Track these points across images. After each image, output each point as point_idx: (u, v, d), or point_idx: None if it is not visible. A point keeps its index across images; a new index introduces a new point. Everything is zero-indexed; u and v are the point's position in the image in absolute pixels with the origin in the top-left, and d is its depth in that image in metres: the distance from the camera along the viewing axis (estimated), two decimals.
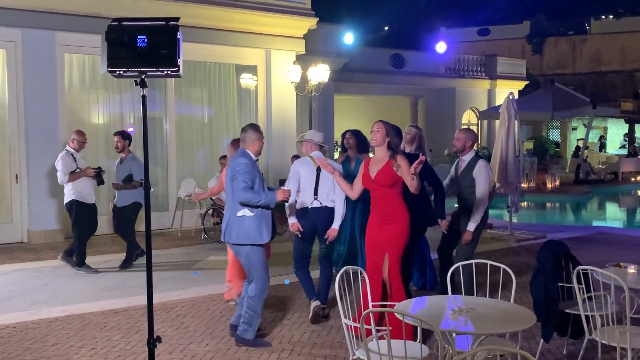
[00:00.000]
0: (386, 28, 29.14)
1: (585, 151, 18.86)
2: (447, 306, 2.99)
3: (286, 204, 4.52)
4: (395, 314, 2.77)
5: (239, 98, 10.79)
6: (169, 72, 2.95)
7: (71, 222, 6.45)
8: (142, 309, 4.95)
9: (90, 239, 6.63)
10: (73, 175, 6.28)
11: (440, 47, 18.19)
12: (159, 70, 2.94)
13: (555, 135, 24.21)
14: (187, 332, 4.48)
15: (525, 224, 10.16)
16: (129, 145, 6.66)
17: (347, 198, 4.50)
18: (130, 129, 9.59)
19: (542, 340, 3.79)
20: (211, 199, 8.62)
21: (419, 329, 2.66)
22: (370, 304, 3.53)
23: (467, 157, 4.94)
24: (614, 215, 13.78)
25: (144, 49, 2.89)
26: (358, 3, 25.15)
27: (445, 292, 3.67)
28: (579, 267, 3.47)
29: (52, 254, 7.42)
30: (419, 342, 2.81)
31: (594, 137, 23.90)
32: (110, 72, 2.95)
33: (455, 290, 3.84)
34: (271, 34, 10.25)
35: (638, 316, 3.67)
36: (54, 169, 8.26)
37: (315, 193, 4.57)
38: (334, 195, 4.58)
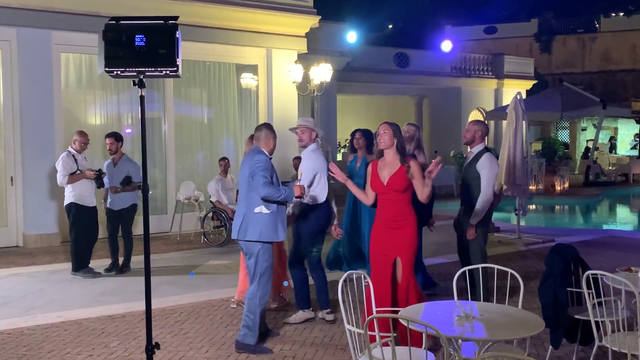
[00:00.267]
0: (390, 26, 28.97)
1: (595, 152, 18.68)
2: (454, 312, 2.91)
3: (290, 205, 4.51)
4: (400, 319, 2.75)
5: (240, 98, 10.69)
6: (168, 72, 2.97)
7: (69, 224, 6.36)
8: (140, 314, 4.91)
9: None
10: (73, 177, 6.20)
11: (446, 45, 18.01)
12: (157, 70, 2.95)
13: (564, 136, 23.94)
14: (187, 339, 4.44)
15: (533, 227, 10.06)
16: (121, 146, 6.59)
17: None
18: (127, 130, 9.46)
19: (551, 346, 3.74)
20: (211, 202, 8.48)
21: (424, 335, 2.66)
22: (374, 309, 3.46)
23: (475, 149, 4.89)
24: (624, 218, 13.58)
25: (142, 49, 2.91)
26: (361, 1, 24.98)
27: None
28: (589, 272, 3.40)
29: (47, 259, 7.37)
30: (424, 348, 2.80)
31: (604, 137, 23.59)
32: (107, 72, 2.94)
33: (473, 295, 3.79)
34: (272, 33, 10.13)
35: None
36: (50, 171, 8.18)
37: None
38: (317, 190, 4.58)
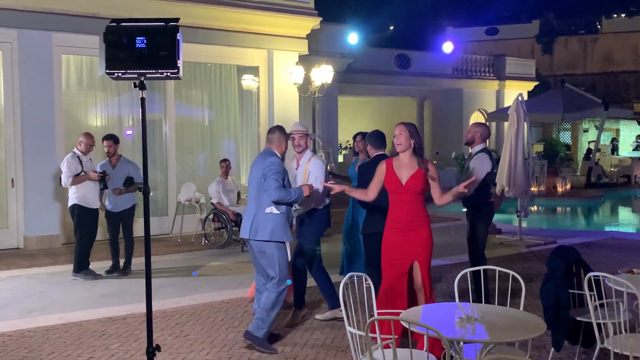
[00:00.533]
0: (391, 28, 28.95)
1: (597, 154, 18.63)
2: (455, 314, 2.90)
3: (295, 206, 4.62)
4: (402, 322, 2.75)
5: (240, 100, 10.68)
6: (169, 74, 2.97)
7: (74, 226, 6.37)
8: (141, 316, 4.89)
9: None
10: (76, 178, 6.22)
11: (447, 47, 18.01)
12: (158, 72, 2.93)
13: (565, 137, 23.86)
14: (187, 341, 4.42)
15: (535, 229, 10.03)
16: (118, 148, 6.63)
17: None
18: (128, 132, 9.46)
19: (552, 349, 3.73)
20: (212, 203, 8.46)
21: (425, 337, 2.64)
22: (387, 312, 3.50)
23: (474, 150, 5.04)
24: (626, 220, 13.52)
25: (143, 51, 2.89)
26: (362, 2, 24.99)
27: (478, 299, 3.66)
28: (591, 274, 3.41)
29: (48, 260, 7.36)
30: (425, 350, 2.79)
31: (605, 139, 23.52)
32: (108, 74, 2.93)
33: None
34: (273, 34, 10.12)
35: None
36: (50, 173, 8.18)
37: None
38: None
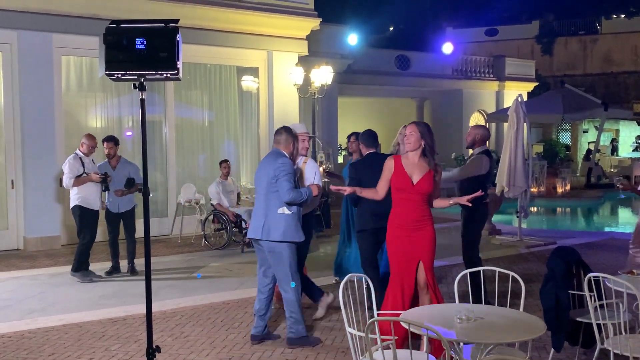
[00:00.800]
0: (391, 28, 28.95)
1: (597, 154, 18.63)
2: (455, 314, 2.89)
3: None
4: (401, 322, 2.74)
5: (240, 101, 10.69)
6: (169, 75, 2.97)
7: (77, 227, 6.39)
8: (140, 317, 4.89)
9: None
10: (78, 179, 6.22)
11: (447, 47, 18.00)
12: (158, 74, 2.93)
13: (565, 138, 23.86)
14: (187, 342, 4.42)
15: (535, 229, 10.06)
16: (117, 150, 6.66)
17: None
18: (128, 133, 9.46)
19: (552, 349, 3.73)
20: (212, 204, 8.46)
21: (425, 338, 2.63)
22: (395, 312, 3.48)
23: (475, 152, 5.12)
24: (626, 221, 13.47)
25: (143, 52, 2.90)
26: (362, 3, 24.99)
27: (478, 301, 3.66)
28: (591, 274, 3.40)
29: (48, 262, 7.36)
30: (426, 352, 2.79)
31: (605, 139, 23.52)
32: (108, 75, 2.93)
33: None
34: (273, 35, 10.12)
35: None
36: (50, 174, 8.18)
37: None
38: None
